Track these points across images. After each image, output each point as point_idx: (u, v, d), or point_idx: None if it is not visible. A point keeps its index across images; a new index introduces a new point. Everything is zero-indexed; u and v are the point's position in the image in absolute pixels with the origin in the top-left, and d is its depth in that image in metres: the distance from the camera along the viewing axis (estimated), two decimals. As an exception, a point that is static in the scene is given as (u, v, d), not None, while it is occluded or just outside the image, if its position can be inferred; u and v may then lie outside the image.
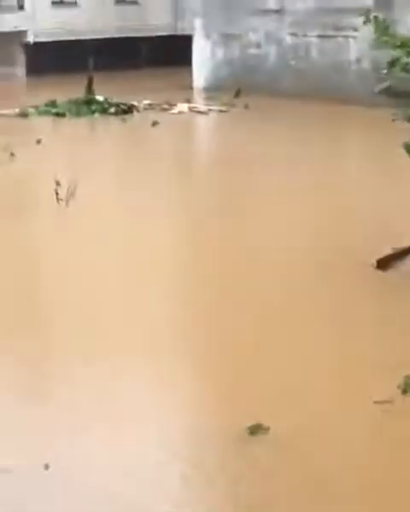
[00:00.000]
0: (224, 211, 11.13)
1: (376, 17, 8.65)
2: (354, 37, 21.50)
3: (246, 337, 6.91)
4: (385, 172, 13.33)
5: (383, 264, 8.21)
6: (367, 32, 22.27)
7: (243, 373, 6.25)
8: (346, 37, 21.71)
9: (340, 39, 21.86)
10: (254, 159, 14.60)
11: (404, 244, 8.52)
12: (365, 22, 8.71)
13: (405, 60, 8.35)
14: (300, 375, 6.17)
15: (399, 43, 8.38)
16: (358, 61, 21.58)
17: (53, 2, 32.23)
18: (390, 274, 8.22)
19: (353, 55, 21.66)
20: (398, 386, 5.49)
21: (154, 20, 32.77)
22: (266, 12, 23.68)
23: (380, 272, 8.25)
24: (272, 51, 23.74)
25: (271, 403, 5.70)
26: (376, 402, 5.50)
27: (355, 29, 21.36)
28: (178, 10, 29.01)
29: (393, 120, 8.40)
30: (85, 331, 7.06)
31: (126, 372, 6.30)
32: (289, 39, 23.18)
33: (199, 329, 7.18)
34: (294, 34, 23.02)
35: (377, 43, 8.55)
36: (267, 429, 5.27)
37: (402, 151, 8.39)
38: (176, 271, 8.88)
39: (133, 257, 9.11)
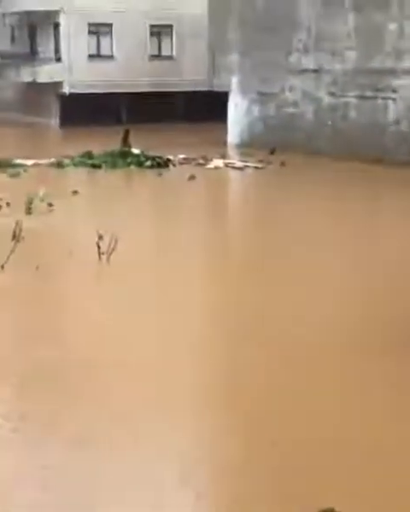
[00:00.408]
0: (263, 271, 10.76)
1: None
2: (392, 99, 21.46)
3: (307, 411, 6.52)
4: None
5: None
6: (406, 93, 22.28)
7: (306, 449, 5.86)
8: (384, 98, 21.64)
9: (378, 100, 21.79)
10: (292, 217, 14.36)
11: None
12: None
13: None
14: (366, 452, 5.78)
15: None
16: (396, 122, 21.47)
17: (90, 55, 32.65)
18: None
19: (391, 116, 21.55)
20: None
21: (189, 75, 33.08)
22: (304, 71, 23.75)
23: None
24: (308, 110, 23.72)
25: (342, 484, 5.29)
26: None
27: (394, 90, 21.41)
28: (214, 67, 29.19)
29: None
30: (124, 396, 6.70)
31: (175, 445, 5.93)
32: (326, 99, 23.16)
33: (252, 400, 6.80)
34: (332, 94, 23.01)
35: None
36: (340, 516, 4.87)
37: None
38: (214, 335, 8.51)
39: (171, 319, 8.73)
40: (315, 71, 23.36)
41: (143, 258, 11.43)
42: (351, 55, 22.25)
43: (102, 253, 10.90)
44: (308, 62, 23.54)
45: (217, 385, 7.05)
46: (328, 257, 11.53)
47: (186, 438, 6.03)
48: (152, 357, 7.57)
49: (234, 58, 26.07)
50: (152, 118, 31.16)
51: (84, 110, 31.54)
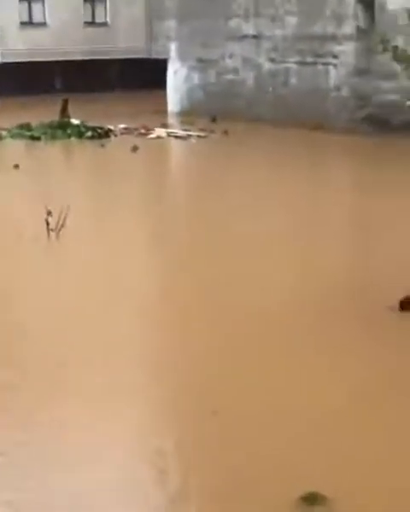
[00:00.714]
0: (212, 242, 10.55)
1: (396, 46, 8.27)
2: (333, 65, 21.34)
3: (282, 389, 6.39)
4: (366, 199, 13.03)
5: (407, 305, 7.72)
6: (347, 59, 22.13)
7: (286, 430, 5.72)
8: (325, 64, 21.51)
9: (319, 66, 21.65)
10: (239, 186, 14.24)
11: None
12: (383, 50, 8.32)
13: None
14: (354, 436, 5.64)
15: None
16: (337, 88, 21.37)
17: (21, 23, 31.74)
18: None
19: (332, 82, 21.45)
20: None
21: (124, 42, 32.46)
22: (244, 37, 23.44)
23: (402, 314, 7.76)
24: (249, 77, 23.47)
25: (326, 468, 5.16)
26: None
27: (335, 56, 21.28)
28: (151, 34, 28.66)
29: None
30: (77, 385, 6.48)
31: (148, 423, 5.73)
32: (267, 65, 22.92)
33: (217, 378, 6.63)
34: (272, 60, 22.77)
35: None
36: (324, 498, 4.74)
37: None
38: (168, 308, 8.28)
39: (124, 294, 8.48)
40: (255, 37, 23.08)
41: (93, 233, 11.14)
42: (291, 20, 22.01)
43: (52, 230, 10.57)
44: (248, 28, 23.22)
45: (170, 361, 6.85)
46: (272, 226, 11.38)
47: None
48: (103, 336, 7.34)
49: (172, 24, 25.60)
50: (88, 87, 30.53)
51: (18, 80, 30.73)
